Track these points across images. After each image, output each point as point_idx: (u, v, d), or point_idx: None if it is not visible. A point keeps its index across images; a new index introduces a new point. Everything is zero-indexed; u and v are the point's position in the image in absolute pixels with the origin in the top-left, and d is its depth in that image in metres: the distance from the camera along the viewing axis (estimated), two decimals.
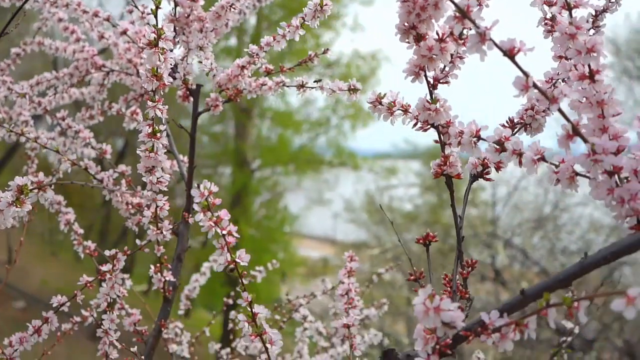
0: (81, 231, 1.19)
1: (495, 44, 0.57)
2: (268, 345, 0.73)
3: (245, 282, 0.75)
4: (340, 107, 11.97)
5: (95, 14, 1.19)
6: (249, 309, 0.73)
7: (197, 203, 0.69)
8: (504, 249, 6.44)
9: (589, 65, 0.61)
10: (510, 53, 0.57)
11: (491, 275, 6.48)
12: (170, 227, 1.00)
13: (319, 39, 11.47)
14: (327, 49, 1.13)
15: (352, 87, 0.96)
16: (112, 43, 1.25)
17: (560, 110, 0.58)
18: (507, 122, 0.78)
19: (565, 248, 7.47)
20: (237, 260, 0.71)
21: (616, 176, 0.60)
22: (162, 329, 1.09)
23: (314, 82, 1.05)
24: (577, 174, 0.61)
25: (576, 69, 0.62)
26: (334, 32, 11.37)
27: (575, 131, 0.58)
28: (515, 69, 0.58)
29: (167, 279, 1.07)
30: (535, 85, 0.57)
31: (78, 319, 1.25)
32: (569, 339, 1.21)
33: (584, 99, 0.62)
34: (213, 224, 0.70)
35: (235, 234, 0.71)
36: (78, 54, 1.29)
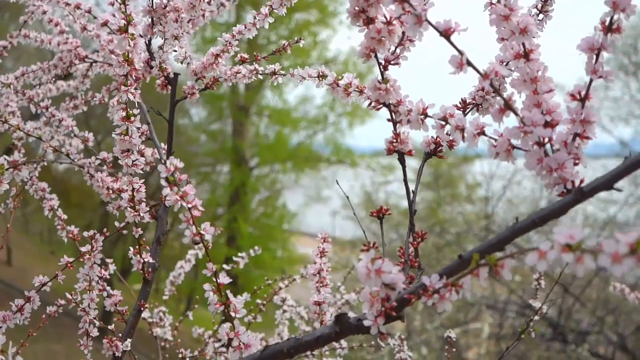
0: (65, 217, 1.23)
1: (432, 25, 0.61)
2: (232, 314, 0.77)
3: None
4: (337, 104, 12.01)
5: (77, 7, 1.23)
6: (214, 279, 0.77)
7: (163, 178, 0.73)
8: None
9: (524, 45, 0.65)
10: (446, 33, 0.61)
11: None
12: (147, 209, 1.04)
13: (317, 36, 11.52)
14: (300, 38, 1.17)
15: (320, 73, 0.99)
16: (95, 35, 1.29)
17: (492, 86, 0.62)
18: (459, 102, 0.82)
19: None
20: (202, 232, 0.75)
21: (549, 147, 0.64)
22: (142, 309, 1.13)
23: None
24: (514, 146, 0.66)
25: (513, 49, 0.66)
26: (331, 29, 11.42)
27: (507, 106, 0.62)
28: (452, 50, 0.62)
29: (146, 260, 1.11)
30: (469, 63, 0.61)
31: (62, 301, 1.29)
32: (536, 318, 1.25)
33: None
34: (179, 198, 0.74)
35: (200, 208, 0.75)
36: (62, 45, 1.33)
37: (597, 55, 0.62)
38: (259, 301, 1.53)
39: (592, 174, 0.65)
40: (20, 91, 1.34)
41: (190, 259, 1.67)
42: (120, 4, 1.00)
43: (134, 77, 0.90)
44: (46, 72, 1.38)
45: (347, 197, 0.93)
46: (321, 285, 1.09)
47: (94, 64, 1.38)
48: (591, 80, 0.63)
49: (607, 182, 0.57)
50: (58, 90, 1.52)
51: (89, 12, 1.25)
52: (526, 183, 8.20)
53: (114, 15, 1.27)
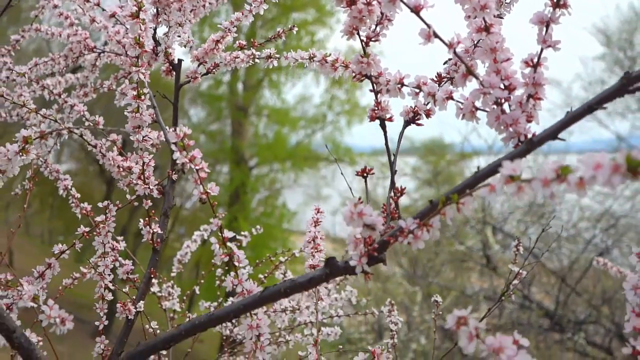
0: (78, 195, 1.32)
1: (403, 2, 0.71)
2: (236, 263, 0.87)
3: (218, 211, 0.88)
4: (336, 103, 12.13)
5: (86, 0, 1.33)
6: (220, 234, 0.87)
7: (173, 143, 0.83)
8: (494, 235, 6.59)
9: (484, 19, 0.75)
10: (416, 9, 0.71)
11: (483, 262, 6.63)
12: (157, 182, 1.14)
13: (314, 35, 11.63)
14: (294, 26, 1.27)
15: (312, 55, 1.09)
16: (102, 26, 1.39)
17: (455, 54, 0.72)
18: (435, 76, 0.92)
19: (558, 237, 7.64)
20: (209, 191, 0.85)
21: (507, 108, 0.74)
22: (152, 276, 1.23)
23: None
24: (477, 108, 0.76)
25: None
26: (328, 28, 11.54)
27: (469, 71, 0.72)
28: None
29: (155, 231, 1.21)
30: (435, 35, 0.71)
31: (77, 275, 1.39)
32: (516, 282, 1.35)
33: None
34: (188, 161, 0.84)
35: (207, 169, 0.85)
36: (72, 37, 1.43)
37: (547, 27, 0.72)
38: (261, 275, 1.63)
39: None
40: (34, 80, 1.43)
41: (196, 239, 1.77)
42: None
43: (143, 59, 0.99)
44: (57, 62, 1.47)
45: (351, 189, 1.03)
46: (316, 251, 1.19)
47: (102, 54, 1.48)
48: (542, 49, 0.73)
49: (553, 133, 0.67)
50: (67, 83, 1.62)
51: (98, 4, 1.35)
52: None
53: (121, 8, 1.38)
